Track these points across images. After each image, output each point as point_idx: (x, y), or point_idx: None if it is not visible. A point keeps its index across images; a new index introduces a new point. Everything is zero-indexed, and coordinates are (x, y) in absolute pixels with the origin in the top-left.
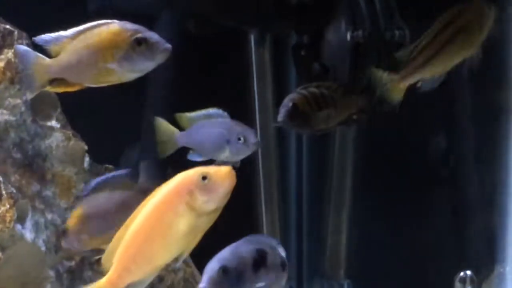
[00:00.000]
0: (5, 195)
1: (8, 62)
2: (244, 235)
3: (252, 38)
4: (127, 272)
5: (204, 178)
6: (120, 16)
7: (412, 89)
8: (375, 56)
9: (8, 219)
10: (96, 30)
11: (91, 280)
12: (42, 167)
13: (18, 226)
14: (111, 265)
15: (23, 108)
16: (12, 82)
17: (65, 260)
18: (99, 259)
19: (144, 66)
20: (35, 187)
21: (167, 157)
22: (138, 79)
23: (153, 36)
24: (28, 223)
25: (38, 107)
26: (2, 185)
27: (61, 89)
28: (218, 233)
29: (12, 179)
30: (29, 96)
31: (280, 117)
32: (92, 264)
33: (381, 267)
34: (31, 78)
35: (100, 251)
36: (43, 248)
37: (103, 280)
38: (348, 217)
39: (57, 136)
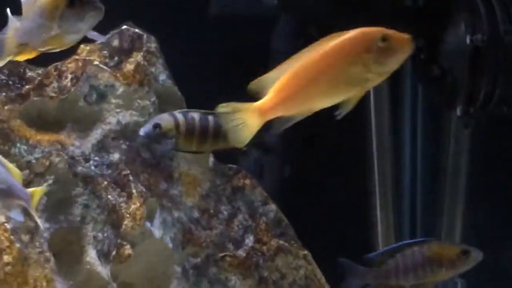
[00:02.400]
0: (135, 194)
1: (138, 65)
2: (359, 234)
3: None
4: (281, 104)
5: (384, 39)
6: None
7: None
8: (494, 60)
9: (138, 216)
10: None
11: (216, 277)
12: (169, 167)
13: (148, 224)
14: (260, 91)
15: (151, 109)
16: (141, 84)
17: (191, 256)
18: (224, 256)
19: (76, 27)
20: (163, 185)
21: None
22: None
23: None
24: (157, 221)
25: (165, 107)
26: (132, 184)
27: (21, 57)
28: (334, 232)
29: (141, 178)
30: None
31: (140, 132)
32: (217, 261)
33: (495, 267)
34: (2, 43)
35: (224, 249)
36: (170, 245)
37: (255, 104)
38: (462, 216)
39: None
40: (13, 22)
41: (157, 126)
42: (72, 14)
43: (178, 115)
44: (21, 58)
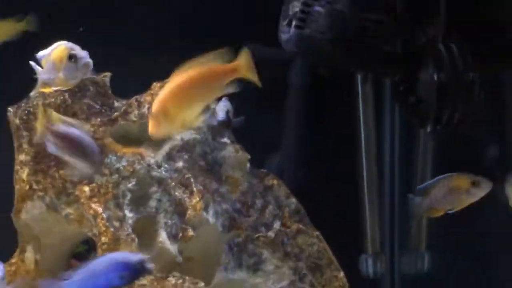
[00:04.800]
0: (195, 191)
1: None
2: (352, 219)
3: (358, 77)
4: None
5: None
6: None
7: None
8: (461, 96)
9: (198, 208)
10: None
11: (253, 252)
12: (219, 171)
13: (204, 213)
14: None
15: (205, 129)
16: None
17: (235, 237)
18: (258, 236)
19: (74, 75)
20: (214, 185)
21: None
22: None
23: (81, 53)
24: (210, 211)
25: (216, 128)
26: (193, 184)
27: (45, 90)
28: (333, 218)
29: (199, 180)
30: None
31: (219, 118)
32: (253, 240)
33: (456, 241)
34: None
35: (258, 231)
36: (220, 229)
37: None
38: None
39: (229, 149)
40: (39, 70)
41: (228, 111)
42: (71, 67)
43: (226, 102)
44: (45, 90)
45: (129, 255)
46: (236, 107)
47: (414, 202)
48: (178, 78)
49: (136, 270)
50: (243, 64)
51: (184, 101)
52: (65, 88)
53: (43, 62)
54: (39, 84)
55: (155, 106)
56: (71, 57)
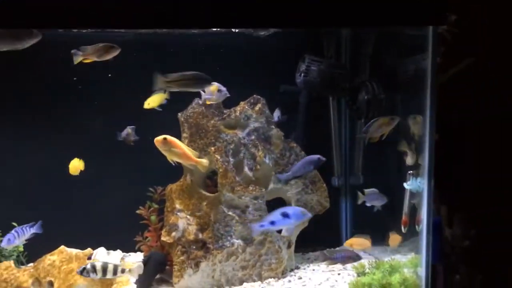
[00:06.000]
0: (260, 149)
1: (259, 108)
2: (328, 157)
3: (330, 98)
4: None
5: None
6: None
7: None
8: (377, 105)
9: (261, 156)
10: (213, 84)
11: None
12: (270, 140)
13: (264, 159)
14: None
15: (264, 122)
16: (260, 113)
17: (277, 169)
18: (287, 169)
19: (218, 97)
20: (267, 146)
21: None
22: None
23: (222, 88)
24: (266, 158)
25: (269, 122)
26: (259, 146)
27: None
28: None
29: (261, 144)
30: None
31: (275, 119)
32: (285, 171)
33: (373, 170)
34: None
35: (287, 167)
36: (271, 165)
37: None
38: (361, 164)
39: (274, 130)
40: (204, 94)
41: (279, 116)
42: (218, 94)
43: (278, 111)
44: (207, 103)
45: (314, 156)
46: (282, 112)
47: (362, 135)
48: (178, 142)
49: (317, 162)
50: (201, 163)
51: (173, 150)
52: (213, 103)
53: (207, 90)
54: (204, 100)
55: (168, 139)
56: (219, 90)
